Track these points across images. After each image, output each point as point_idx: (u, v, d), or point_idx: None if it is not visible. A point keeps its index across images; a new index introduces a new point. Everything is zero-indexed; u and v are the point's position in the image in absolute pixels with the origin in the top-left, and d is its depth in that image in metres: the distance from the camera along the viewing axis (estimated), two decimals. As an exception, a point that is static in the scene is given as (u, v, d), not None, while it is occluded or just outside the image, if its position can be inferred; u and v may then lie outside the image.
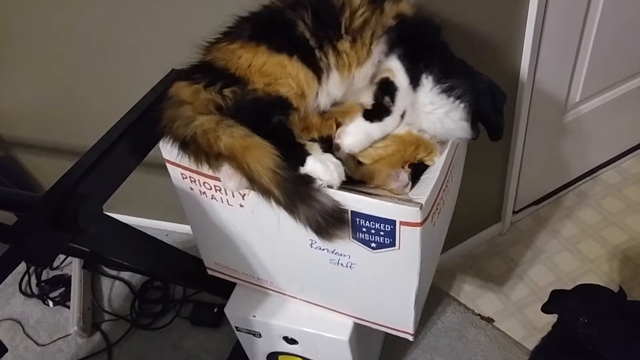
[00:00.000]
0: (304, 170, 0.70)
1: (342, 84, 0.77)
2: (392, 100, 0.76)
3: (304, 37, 0.75)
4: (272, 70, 0.74)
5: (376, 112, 0.76)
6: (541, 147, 1.45)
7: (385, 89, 0.76)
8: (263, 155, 0.68)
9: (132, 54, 1.21)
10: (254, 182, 0.70)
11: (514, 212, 1.61)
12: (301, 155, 0.69)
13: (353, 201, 0.73)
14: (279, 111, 0.72)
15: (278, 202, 0.69)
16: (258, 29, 0.77)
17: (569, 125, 1.47)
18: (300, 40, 0.75)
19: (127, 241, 0.94)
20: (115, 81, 1.30)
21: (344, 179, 0.70)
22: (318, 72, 0.75)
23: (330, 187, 0.70)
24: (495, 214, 1.57)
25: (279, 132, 0.71)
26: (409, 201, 0.72)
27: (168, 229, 1.75)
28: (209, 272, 1.09)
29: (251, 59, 0.74)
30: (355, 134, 0.75)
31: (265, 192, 0.69)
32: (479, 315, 1.44)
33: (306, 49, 0.74)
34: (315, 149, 0.71)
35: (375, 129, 0.76)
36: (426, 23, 0.83)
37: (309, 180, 0.69)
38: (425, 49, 0.79)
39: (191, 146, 0.72)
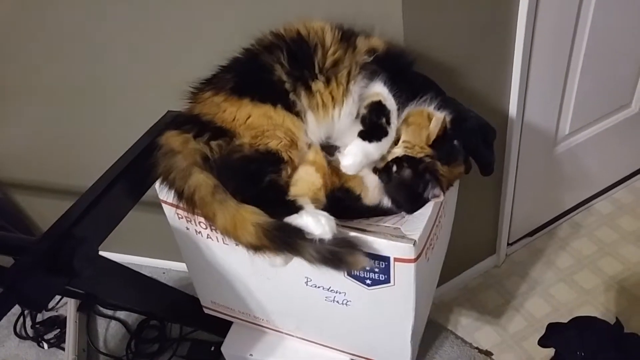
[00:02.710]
0: (296, 224, 0.70)
1: (319, 124, 0.78)
2: (388, 121, 0.77)
3: (281, 80, 0.76)
4: (258, 123, 0.75)
5: (374, 133, 0.76)
6: (533, 179, 1.47)
7: (379, 110, 0.77)
8: (252, 229, 0.69)
9: (128, 95, 1.24)
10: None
11: (508, 244, 1.61)
12: (293, 211, 0.70)
13: (347, 239, 0.74)
14: (271, 168, 0.73)
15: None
16: (239, 80, 0.78)
17: (560, 157, 1.50)
18: (279, 84, 0.76)
19: (123, 283, 0.95)
20: (111, 122, 1.32)
21: (335, 232, 0.69)
22: (300, 115, 0.76)
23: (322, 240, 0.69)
24: (490, 247, 1.58)
25: (270, 193, 0.72)
26: (403, 237, 0.73)
27: (165, 267, 1.75)
28: (206, 310, 1.08)
29: (235, 112, 0.76)
30: (354, 155, 0.75)
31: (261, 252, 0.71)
32: (477, 348, 1.42)
33: (286, 95, 0.76)
34: (306, 203, 0.71)
35: (374, 150, 0.76)
36: (401, 56, 0.85)
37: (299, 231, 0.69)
38: (405, 78, 0.82)
39: (189, 202, 0.74)
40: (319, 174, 0.76)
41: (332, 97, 0.77)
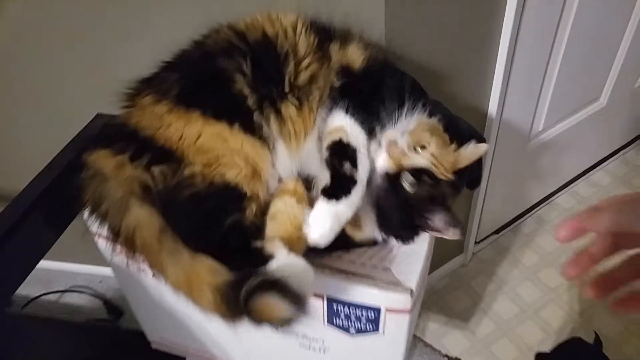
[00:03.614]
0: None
1: (291, 157, 0.62)
2: (354, 164, 0.60)
3: (243, 94, 0.60)
4: (211, 145, 0.58)
5: (340, 186, 0.58)
6: (504, 177, 1.41)
7: (341, 152, 0.60)
8: (210, 296, 0.53)
9: (53, 91, 1.02)
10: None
11: (475, 243, 1.56)
12: (262, 262, 0.53)
13: (329, 287, 0.61)
14: (231, 207, 0.57)
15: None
16: (188, 85, 0.61)
17: (531, 154, 1.44)
18: (239, 99, 0.60)
19: (45, 338, 0.77)
20: (33, 122, 1.10)
21: (313, 284, 0.54)
22: (266, 142, 0.61)
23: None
24: (458, 246, 1.51)
25: (233, 240, 0.56)
26: (397, 285, 0.61)
27: (102, 275, 1.55)
28: (153, 345, 0.93)
29: (182, 129, 0.59)
30: (321, 223, 0.57)
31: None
32: (446, 356, 1.36)
33: (248, 113, 0.60)
34: (278, 250, 0.55)
35: (345, 208, 0.58)
36: (384, 67, 0.68)
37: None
38: (390, 88, 0.66)
39: (128, 244, 0.57)
40: (301, 205, 0.60)
41: (305, 127, 0.62)
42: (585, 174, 1.77)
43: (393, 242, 0.67)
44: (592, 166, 1.78)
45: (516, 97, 1.18)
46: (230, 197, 0.57)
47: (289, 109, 0.61)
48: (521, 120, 1.29)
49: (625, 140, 1.82)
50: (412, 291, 0.60)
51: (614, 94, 1.49)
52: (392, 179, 0.61)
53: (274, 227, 0.59)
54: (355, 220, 0.63)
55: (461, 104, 1.07)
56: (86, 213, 0.63)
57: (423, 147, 0.62)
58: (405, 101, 0.65)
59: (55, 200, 0.68)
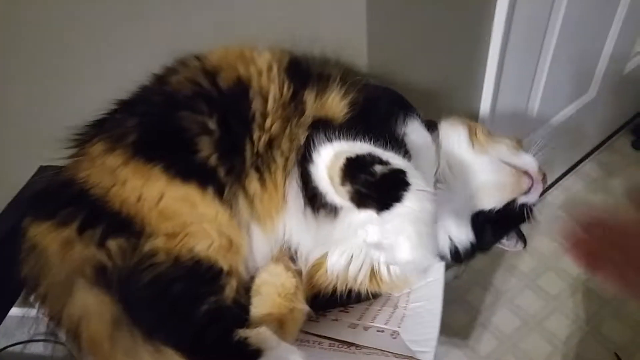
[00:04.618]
0: None
1: (267, 240, 0.52)
2: (382, 162, 0.47)
3: (210, 165, 0.49)
4: (176, 210, 0.47)
5: (384, 191, 0.45)
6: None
7: (357, 167, 0.47)
8: None
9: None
10: None
11: (468, 252, 1.45)
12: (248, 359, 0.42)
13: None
14: (205, 288, 0.45)
15: None
16: (148, 133, 0.50)
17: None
18: (208, 167, 0.49)
19: None
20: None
21: None
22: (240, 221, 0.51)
23: None
24: (449, 257, 1.40)
25: (210, 332, 0.43)
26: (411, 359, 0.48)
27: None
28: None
29: (140, 188, 0.47)
30: (411, 242, 0.42)
31: None
32: (449, 381, 1.25)
33: (220, 180, 0.50)
34: (266, 340, 0.44)
35: (428, 206, 0.45)
36: (367, 108, 0.56)
37: None
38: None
39: (72, 338, 0.45)
40: (289, 273, 0.50)
41: (273, 204, 0.51)
42: (575, 167, 1.69)
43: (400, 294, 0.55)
44: (581, 159, 1.70)
45: (507, 100, 1.10)
46: (203, 276, 0.46)
47: (252, 184, 0.51)
48: (512, 121, 1.20)
49: (612, 130, 1.75)
50: (430, 366, 0.47)
51: (602, 84, 1.41)
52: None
53: (260, 303, 0.49)
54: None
55: (452, 112, 0.97)
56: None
57: None
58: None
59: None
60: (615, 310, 1.34)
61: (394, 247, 0.41)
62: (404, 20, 0.75)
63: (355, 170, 0.46)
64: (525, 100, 1.22)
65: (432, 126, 0.66)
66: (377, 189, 0.45)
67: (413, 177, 0.45)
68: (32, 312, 1.36)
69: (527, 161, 0.59)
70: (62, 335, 0.47)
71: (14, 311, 1.30)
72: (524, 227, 0.73)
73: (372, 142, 0.49)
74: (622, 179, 1.65)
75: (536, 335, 1.32)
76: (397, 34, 0.76)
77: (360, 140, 0.49)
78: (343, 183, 0.47)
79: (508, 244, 0.68)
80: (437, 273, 0.56)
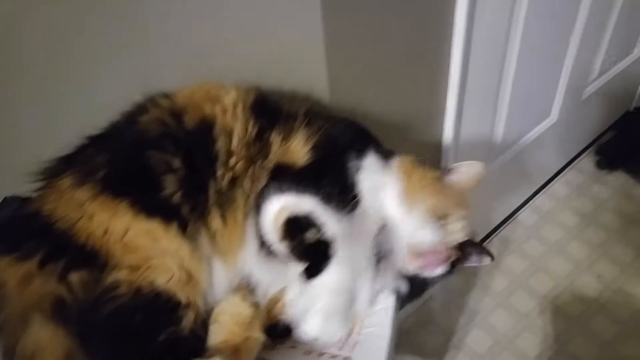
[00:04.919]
0: None
1: (228, 272, 0.55)
2: (314, 226, 0.52)
3: (174, 202, 0.52)
4: (140, 243, 0.49)
5: (312, 259, 0.51)
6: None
7: (293, 228, 0.52)
8: None
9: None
10: None
11: (441, 273, 1.48)
12: None
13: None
14: (164, 319, 0.48)
15: None
16: (117, 170, 0.52)
17: (490, 176, 1.38)
18: (173, 204, 0.52)
19: None
20: None
21: None
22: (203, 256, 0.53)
23: None
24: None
25: None
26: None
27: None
28: None
29: (107, 222, 0.50)
30: (326, 312, 0.49)
31: None
32: (423, 402, 1.27)
33: (185, 219, 0.52)
34: None
35: (335, 277, 0.51)
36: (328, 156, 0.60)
37: None
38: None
39: None
40: (246, 303, 0.53)
41: (234, 241, 0.54)
42: (543, 188, 1.74)
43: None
44: (550, 179, 1.75)
45: (470, 127, 1.13)
46: (162, 307, 0.48)
47: (214, 221, 0.53)
48: (477, 147, 1.24)
49: (577, 151, 1.82)
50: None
51: (563, 108, 1.47)
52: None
53: (217, 330, 0.52)
54: None
55: (416, 141, 1.00)
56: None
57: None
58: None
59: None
60: (582, 327, 1.38)
61: (305, 319, 0.48)
62: (363, 55, 0.78)
63: (293, 231, 0.52)
64: (490, 126, 1.25)
65: (389, 156, 0.67)
66: (304, 257, 0.51)
67: (339, 248, 0.51)
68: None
69: (428, 239, 0.59)
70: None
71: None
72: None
73: (320, 196, 0.53)
74: (588, 197, 1.70)
75: (508, 353, 1.35)
76: (357, 69, 0.79)
77: (309, 194, 0.53)
78: (281, 240, 0.52)
79: (474, 260, 0.70)
80: (388, 300, 0.59)
